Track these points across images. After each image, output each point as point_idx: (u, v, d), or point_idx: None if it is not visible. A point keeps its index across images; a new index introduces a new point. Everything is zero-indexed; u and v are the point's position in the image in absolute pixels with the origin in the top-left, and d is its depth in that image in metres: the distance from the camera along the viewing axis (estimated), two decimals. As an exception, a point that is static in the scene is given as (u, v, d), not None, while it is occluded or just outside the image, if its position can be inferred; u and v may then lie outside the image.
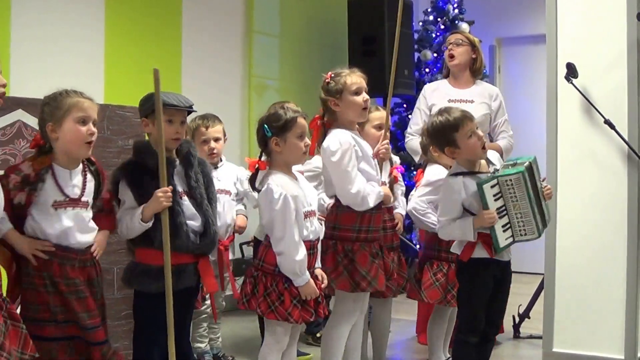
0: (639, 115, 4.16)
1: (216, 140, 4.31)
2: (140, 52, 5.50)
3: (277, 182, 3.23)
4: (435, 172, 4.15)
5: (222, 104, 5.68)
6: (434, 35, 7.27)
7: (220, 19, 6.23)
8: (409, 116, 6.82)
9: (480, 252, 3.49)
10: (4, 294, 2.78)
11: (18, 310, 2.89)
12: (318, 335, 4.78)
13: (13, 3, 4.71)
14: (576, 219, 4.31)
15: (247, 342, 4.96)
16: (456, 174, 3.51)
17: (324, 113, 3.68)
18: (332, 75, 3.65)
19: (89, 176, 3.09)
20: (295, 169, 3.43)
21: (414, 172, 6.30)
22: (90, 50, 5.20)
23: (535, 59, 7.59)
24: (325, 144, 3.55)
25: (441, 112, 3.56)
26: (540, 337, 4.55)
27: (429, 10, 7.39)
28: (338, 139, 3.52)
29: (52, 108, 2.96)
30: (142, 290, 3.18)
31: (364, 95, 3.61)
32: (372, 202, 3.54)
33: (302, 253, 3.19)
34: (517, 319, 5.14)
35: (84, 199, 3.04)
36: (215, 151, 4.29)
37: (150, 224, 3.10)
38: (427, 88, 4.97)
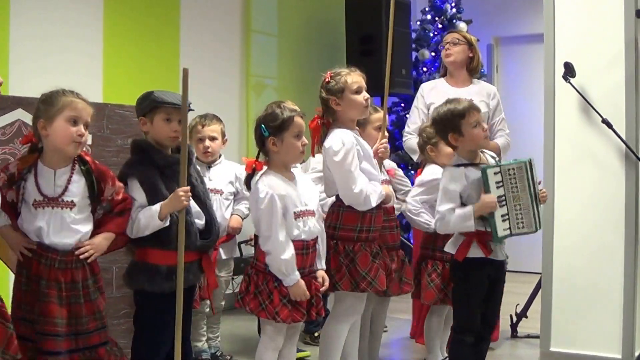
0: (637, 115, 4.17)
1: (212, 139, 4.31)
2: (138, 51, 5.50)
3: (266, 182, 3.24)
4: (430, 172, 4.17)
5: (221, 104, 5.68)
6: (431, 35, 7.28)
7: (218, 18, 6.23)
8: (407, 115, 6.83)
9: (475, 252, 3.50)
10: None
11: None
12: (316, 334, 4.78)
13: (12, 2, 4.71)
14: (574, 218, 4.32)
15: (245, 341, 4.96)
16: (457, 165, 3.55)
17: (323, 113, 3.68)
18: (332, 74, 3.65)
19: (75, 176, 3.02)
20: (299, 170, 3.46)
21: (412, 172, 6.32)
22: (89, 50, 5.19)
23: (533, 58, 7.60)
24: (327, 143, 3.54)
25: (449, 101, 3.61)
26: (537, 337, 4.56)
27: (427, 9, 7.40)
28: (341, 139, 3.52)
29: (46, 105, 2.96)
30: (151, 290, 3.14)
31: (365, 94, 3.62)
32: (374, 202, 3.54)
33: (288, 253, 3.19)
34: (514, 319, 5.15)
35: (66, 199, 2.98)
36: (209, 150, 4.30)
37: (166, 223, 3.10)
38: (425, 87, 4.97)
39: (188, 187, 3.09)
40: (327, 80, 3.65)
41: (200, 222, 3.26)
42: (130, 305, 3.53)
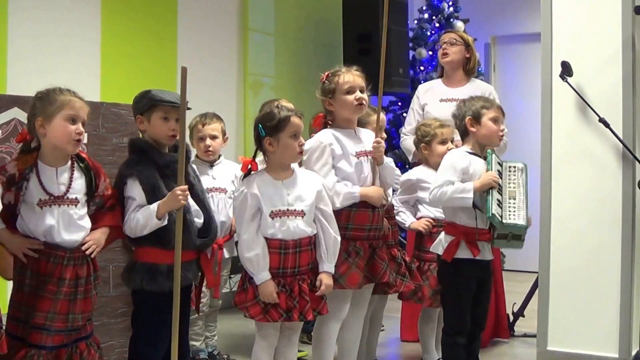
0: (634, 114, 4.17)
1: (213, 137, 4.31)
2: (136, 50, 5.49)
3: (245, 181, 3.29)
4: (411, 172, 4.30)
5: (218, 102, 5.67)
6: (428, 34, 7.27)
7: (215, 17, 6.23)
8: (404, 114, 6.84)
9: (463, 252, 3.51)
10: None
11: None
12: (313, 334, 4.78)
13: (10, 1, 4.70)
14: (571, 217, 4.32)
15: (242, 340, 4.95)
16: (463, 152, 3.62)
17: (326, 114, 3.74)
18: (329, 74, 3.68)
19: (76, 173, 3.04)
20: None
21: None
22: (87, 48, 5.19)
23: (530, 57, 7.60)
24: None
25: (479, 96, 3.78)
26: (534, 336, 4.56)
27: (424, 8, 7.39)
28: (314, 139, 3.59)
29: (43, 103, 2.95)
30: (151, 289, 3.14)
31: (357, 94, 3.62)
32: (338, 203, 3.54)
33: (253, 252, 3.21)
34: (511, 318, 5.15)
35: (70, 196, 3.00)
36: (210, 149, 4.30)
37: (164, 222, 3.10)
38: (421, 88, 4.99)
39: (186, 186, 3.08)
40: (322, 80, 3.68)
41: (199, 220, 3.26)
42: (128, 304, 3.52)
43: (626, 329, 4.13)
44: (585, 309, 4.26)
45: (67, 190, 2.99)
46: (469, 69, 4.82)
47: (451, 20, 7.24)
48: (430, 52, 7.16)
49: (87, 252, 3.01)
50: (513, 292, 5.42)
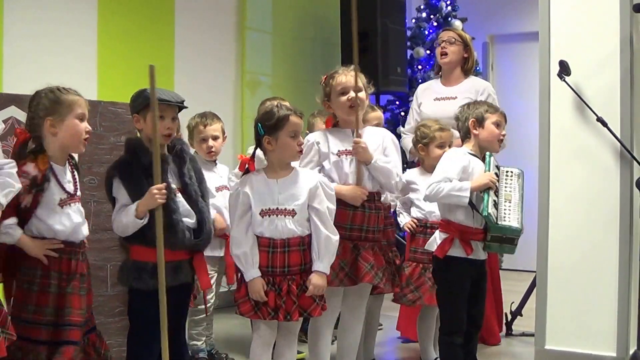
0: (632, 113, 4.17)
1: (214, 138, 4.32)
2: (133, 49, 5.49)
3: (244, 179, 3.34)
4: (406, 174, 4.30)
5: (215, 101, 5.67)
6: (426, 33, 7.27)
7: (212, 15, 6.23)
8: (402, 113, 6.85)
9: (456, 251, 3.52)
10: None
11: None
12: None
13: (6, 0, 4.70)
14: (568, 216, 4.32)
15: (240, 339, 4.95)
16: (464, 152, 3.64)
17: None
18: (326, 77, 3.73)
19: (74, 171, 3.12)
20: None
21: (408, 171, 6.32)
22: (84, 46, 5.18)
23: (528, 56, 7.59)
24: None
25: (483, 101, 3.84)
26: (532, 335, 4.56)
27: (422, 7, 7.39)
28: (306, 137, 3.67)
29: (53, 103, 2.96)
30: (138, 287, 3.17)
31: (350, 94, 3.64)
32: None
33: (241, 249, 3.25)
34: (509, 317, 5.15)
35: (78, 193, 3.08)
36: (213, 149, 4.31)
37: (145, 221, 3.10)
38: (420, 87, 5.03)
39: (162, 185, 3.08)
40: (321, 83, 3.75)
41: (190, 220, 3.23)
42: (125, 303, 3.53)
43: (624, 327, 4.13)
44: (583, 308, 4.26)
45: (76, 188, 3.07)
46: (467, 69, 4.82)
47: (449, 19, 7.24)
48: (428, 51, 7.15)
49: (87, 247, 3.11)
50: (511, 291, 5.42)
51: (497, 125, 3.62)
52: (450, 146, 4.15)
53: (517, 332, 5.13)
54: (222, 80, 6.31)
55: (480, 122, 3.61)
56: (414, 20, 7.38)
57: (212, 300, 4.30)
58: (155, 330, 3.05)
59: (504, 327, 5.14)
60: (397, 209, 4.33)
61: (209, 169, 4.17)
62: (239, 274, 3.33)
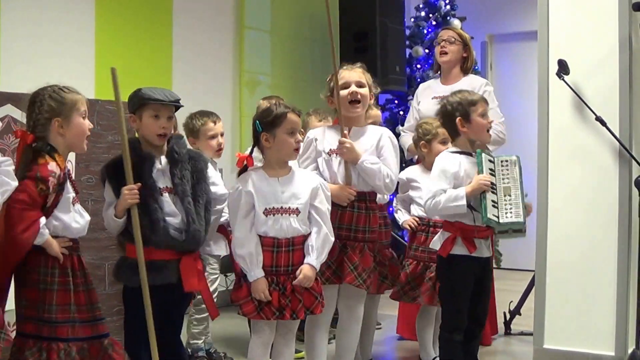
0: (630, 112, 4.16)
1: (222, 135, 4.34)
2: (131, 48, 5.49)
3: (241, 178, 3.30)
4: (406, 171, 4.33)
5: (213, 100, 5.67)
6: (425, 32, 7.27)
7: (211, 14, 6.22)
8: (400, 112, 6.85)
9: (459, 249, 3.51)
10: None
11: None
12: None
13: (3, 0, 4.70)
14: (567, 215, 4.31)
15: (238, 338, 4.95)
16: (452, 153, 3.58)
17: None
18: (332, 75, 3.73)
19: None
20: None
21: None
22: (81, 46, 5.18)
23: (527, 56, 7.59)
24: None
25: (459, 91, 3.67)
26: (531, 334, 4.55)
27: (421, 6, 7.39)
28: (306, 134, 3.66)
29: (57, 103, 2.94)
30: (128, 285, 3.20)
31: (351, 88, 3.64)
32: None
33: (246, 249, 3.22)
34: (508, 316, 5.15)
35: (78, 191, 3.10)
36: (222, 146, 4.32)
37: (123, 220, 3.12)
38: (420, 87, 5.04)
39: (133, 185, 3.07)
40: (327, 80, 3.76)
41: (175, 220, 3.18)
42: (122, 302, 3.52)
43: (622, 327, 4.13)
44: (581, 307, 4.25)
45: (77, 187, 3.09)
46: (466, 68, 4.81)
47: (448, 18, 7.24)
48: (427, 50, 7.15)
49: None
50: (510, 290, 5.42)
51: (483, 115, 3.57)
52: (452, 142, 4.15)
53: (515, 331, 5.13)
54: (220, 79, 6.31)
55: (466, 118, 3.54)
56: (412, 20, 7.38)
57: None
58: (144, 327, 3.07)
59: (503, 327, 5.14)
60: (395, 206, 4.32)
61: (214, 167, 4.17)
62: (242, 274, 3.29)
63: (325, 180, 3.61)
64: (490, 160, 3.52)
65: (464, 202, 3.42)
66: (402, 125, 5.09)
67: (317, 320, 3.64)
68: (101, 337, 3.01)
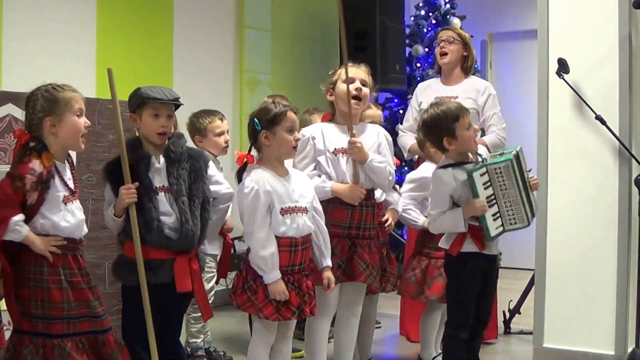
0: (630, 111, 4.16)
1: (227, 132, 4.39)
2: (131, 47, 5.49)
3: (253, 177, 3.24)
4: (422, 169, 4.21)
5: (214, 99, 5.67)
6: (425, 31, 7.26)
7: (211, 14, 6.22)
8: (400, 111, 6.84)
9: (469, 247, 3.49)
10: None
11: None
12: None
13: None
14: (567, 214, 4.32)
15: (237, 337, 4.95)
16: (445, 166, 3.51)
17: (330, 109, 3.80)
18: (336, 68, 3.76)
19: (72, 169, 3.12)
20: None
21: (405, 169, 6.31)
22: (82, 45, 5.18)
23: (527, 55, 7.59)
24: None
25: (436, 104, 3.55)
26: (530, 333, 4.55)
27: (421, 5, 7.39)
28: (302, 132, 3.62)
29: (49, 102, 2.95)
30: (124, 283, 3.22)
31: (356, 84, 3.64)
32: None
33: (268, 250, 3.18)
34: (507, 315, 5.15)
35: (77, 190, 3.09)
36: (228, 143, 4.37)
37: (121, 219, 3.14)
38: (420, 86, 5.01)
39: (131, 185, 3.08)
40: (330, 73, 3.77)
41: (169, 219, 3.17)
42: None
43: (622, 326, 4.13)
44: (581, 306, 4.25)
45: (75, 185, 3.08)
46: (467, 67, 4.81)
47: (448, 17, 7.24)
48: (427, 49, 7.15)
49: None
50: (509, 289, 5.42)
51: (468, 127, 3.47)
52: None
53: (515, 330, 5.13)
54: (220, 79, 6.31)
55: (452, 136, 3.45)
56: (412, 18, 7.38)
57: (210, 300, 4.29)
58: (142, 326, 3.07)
59: (503, 326, 5.14)
60: (405, 205, 4.16)
61: (217, 166, 4.17)
62: (250, 277, 3.25)
63: (332, 179, 3.63)
64: (482, 174, 3.40)
65: (462, 224, 3.42)
66: (402, 124, 5.07)
67: (318, 319, 3.64)
68: (104, 332, 3.02)
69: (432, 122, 3.51)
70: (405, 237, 6.12)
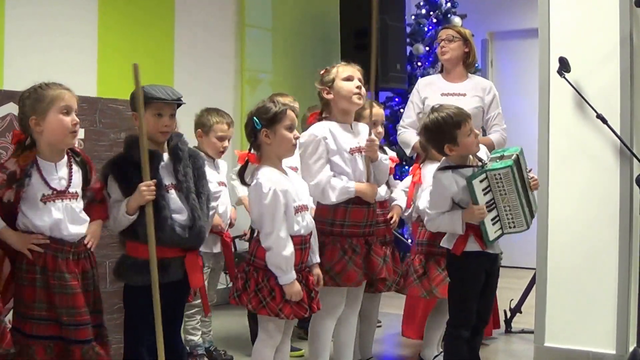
0: (631, 110, 4.16)
1: (229, 140, 4.38)
2: (133, 46, 5.48)
3: (267, 177, 3.23)
4: (430, 174, 4.17)
5: (215, 98, 5.66)
6: (426, 29, 7.26)
7: (212, 12, 6.22)
8: (401, 110, 6.83)
9: (471, 245, 3.49)
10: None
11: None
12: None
13: (6, -4, 4.70)
14: (568, 213, 4.31)
15: (237, 337, 4.95)
16: (445, 168, 3.51)
17: (322, 108, 3.76)
18: (327, 69, 3.72)
19: (74, 167, 3.09)
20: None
21: (406, 167, 6.31)
22: (84, 44, 5.18)
23: (528, 53, 7.58)
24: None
25: (438, 109, 3.51)
26: (532, 332, 4.56)
27: (421, 3, 7.38)
28: (310, 132, 3.61)
29: (33, 101, 2.96)
30: (129, 283, 3.20)
31: (356, 82, 3.64)
32: (334, 197, 3.56)
33: (289, 249, 3.19)
34: (508, 314, 5.15)
35: (71, 190, 3.05)
36: (225, 150, 4.36)
37: (135, 217, 3.11)
38: (421, 82, 4.97)
39: (151, 182, 3.08)
40: (322, 72, 3.73)
41: (181, 217, 3.20)
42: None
43: (623, 325, 4.13)
44: (582, 305, 4.25)
45: (69, 185, 3.03)
46: (469, 64, 4.80)
47: (448, 15, 7.24)
48: (428, 48, 7.15)
49: (88, 246, 3.07)
50: (510, 288, 5.42)
51: (469, 133, 3.46)
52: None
53: (516, 329, 5.13)
54: (221, 77, 6.30)
55: (454, 142, 3.45)
56: (413, 17, 7.37)
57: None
58: (146, 326, 3.06)
59: (504, 325, 5.14)
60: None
61: (212, 167, 4.19)
62: (263, 278, 3.23)
63: (351, 179, 3.62)
64: (482, 180, 3.40)
65: (459, 227, 3.43)
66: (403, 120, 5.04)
67: (324, 318, 3.65)
68: (80, 343, 2.97)
69: (434, 127, 3.50)
70: (405, 236, 6.13)
